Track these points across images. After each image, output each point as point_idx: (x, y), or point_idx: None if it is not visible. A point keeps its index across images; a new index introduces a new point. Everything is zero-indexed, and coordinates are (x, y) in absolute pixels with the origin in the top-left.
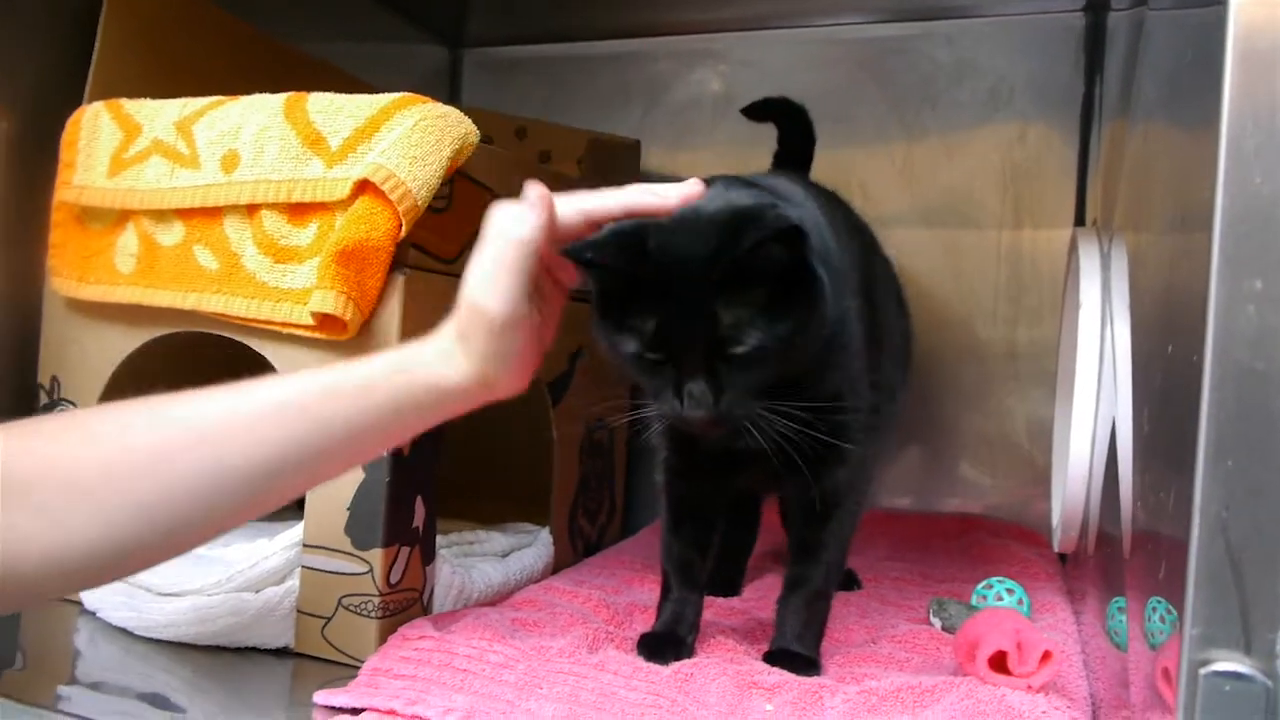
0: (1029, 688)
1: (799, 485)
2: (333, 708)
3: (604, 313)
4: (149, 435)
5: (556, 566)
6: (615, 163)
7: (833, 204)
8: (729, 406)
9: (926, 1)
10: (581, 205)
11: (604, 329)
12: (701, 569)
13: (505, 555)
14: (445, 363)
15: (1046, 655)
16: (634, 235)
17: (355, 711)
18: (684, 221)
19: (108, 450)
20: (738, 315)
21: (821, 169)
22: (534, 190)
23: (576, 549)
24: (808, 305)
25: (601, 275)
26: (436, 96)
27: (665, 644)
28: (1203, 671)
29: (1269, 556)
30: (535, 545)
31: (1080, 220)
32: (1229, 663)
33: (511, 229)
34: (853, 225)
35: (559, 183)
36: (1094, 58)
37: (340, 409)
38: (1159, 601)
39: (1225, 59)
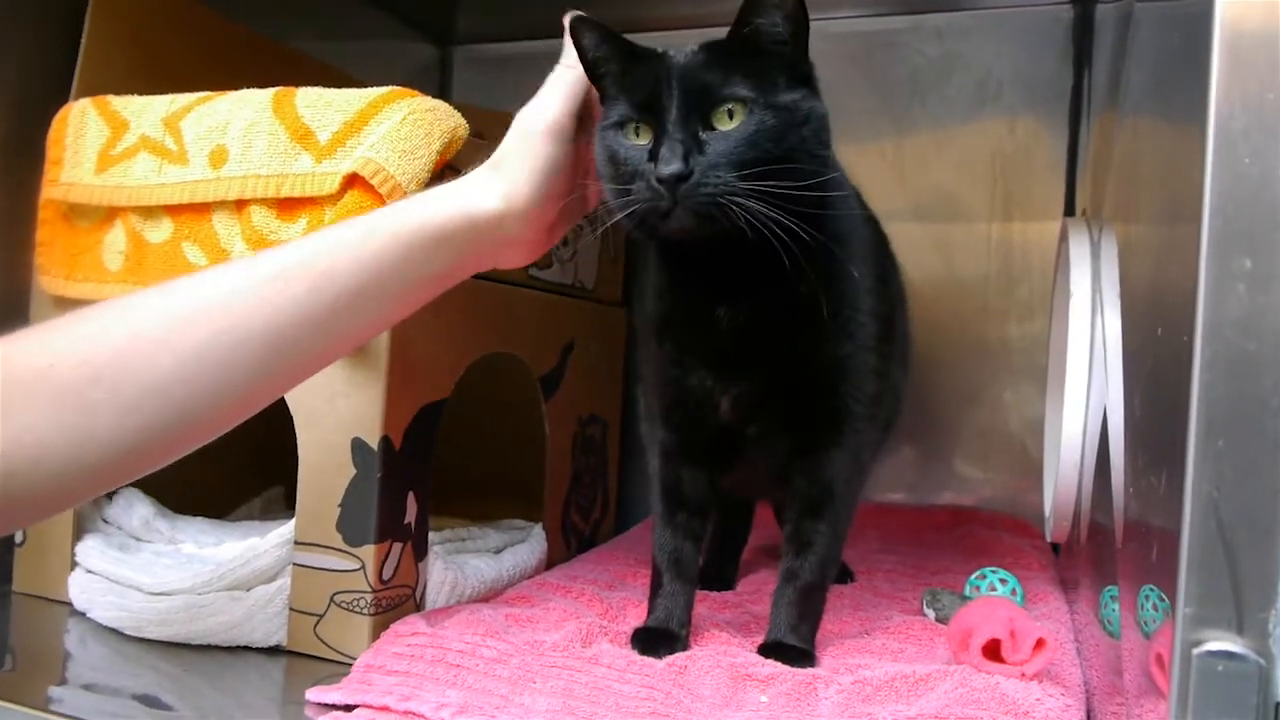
0: (1023, 675)
1: (796, 474)
2: (326, 705)
3: (603, 95)
4: (158, 315)
5: (550, 562)
6: None
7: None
8: (703, 170)
9: None
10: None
11: (604, 111)
12: (694, 561)
13: (498, 551)
14: (475, 188)
15: (1040, 643)
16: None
17: (349, 708)
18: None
19: (117, 336)
20: (727, 74)
21: None
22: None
23: (569, 545)
24: (802, 90)
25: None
26: (426, 93)
27: (659, 639)
28: (1196, 652)
29: (1261, 536)
30: (528, 541)
31: (1070, 209)
32: (1222, 642)
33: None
34: (875, 224)
35: None
36: (1082, 50)
37: (342, 262)
38: (1151, 590)
39: (1212, 45)
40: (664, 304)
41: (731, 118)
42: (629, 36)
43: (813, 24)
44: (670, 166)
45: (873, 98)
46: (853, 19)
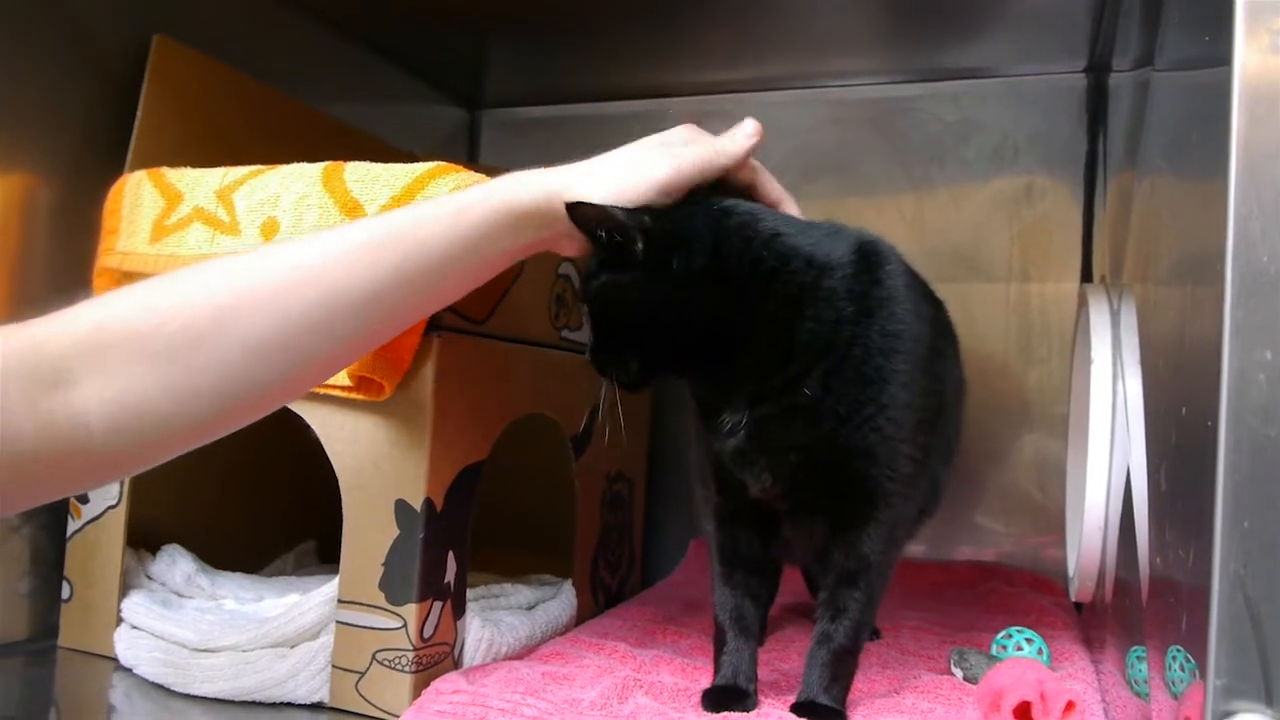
0: None
1: (833, 547)
2: None
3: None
4: (260, 279)
5: (579, 618)
6: None
7: (925, 294)
8: (597, 354)
9: (933, 63)
10: (721, 156)
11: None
12: (755, 619)
13: (531, 608)
14: (565, 181)
15: (1070, 705)
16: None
17: None
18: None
19: (220, 299)
20: (590, 267)
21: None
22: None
23: (598, 600)
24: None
25: None
26: (456, 155)
27: (729, 696)
28: None
29: None
30: (559, 597)
31: (1086, 270)
32: (1252, 714)
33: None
34: (934, 315)
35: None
36: (1096, 116)
37: (435, 232)
38: (1178, 650)
39: (1231, 118)
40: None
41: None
42: (644, 101)
43: (833, 90)
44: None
45: (892, 161)
46: (872, 85)
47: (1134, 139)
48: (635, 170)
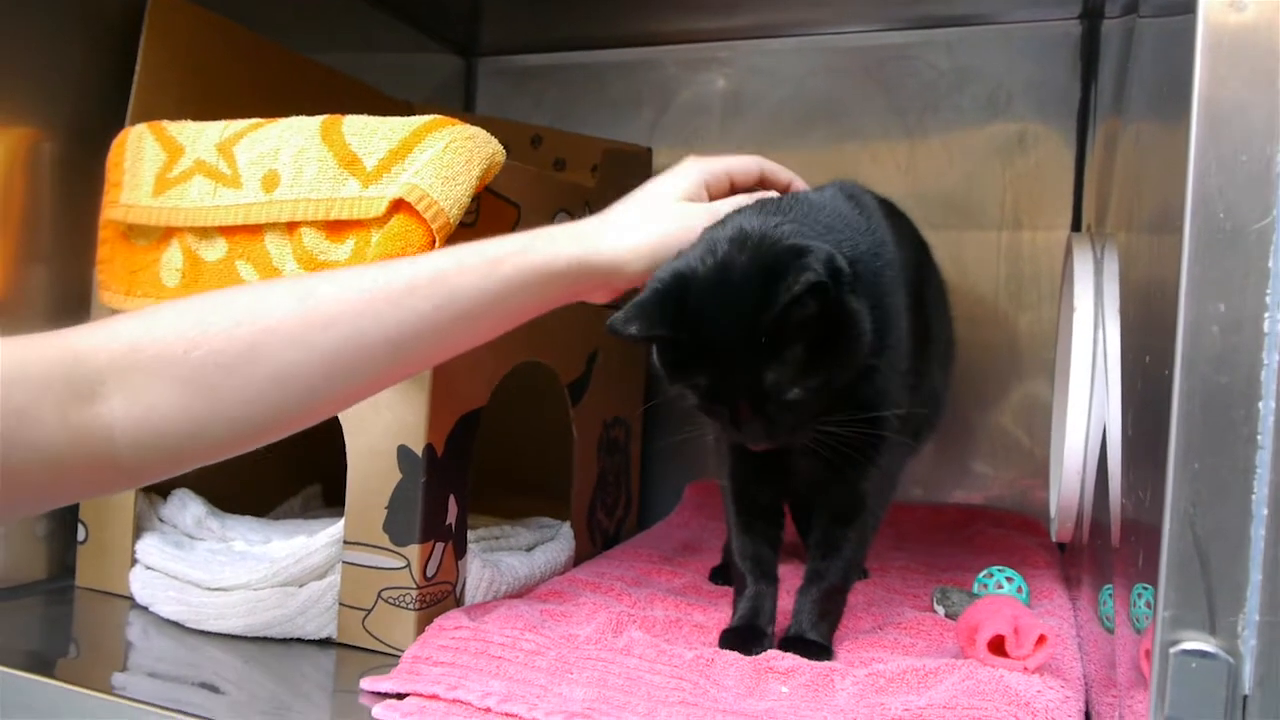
0: (1025, 669)
1: (828, 486)
2: (379, 693)
3: (661, 361)
4: (294, 314)
5: (577, 559)
6: (628, 171)
7: (890, 214)
8: (781, 435)
9: (928, 10)
10: (728, 169)
11: (665, 375)
12: (773, 563)
13: (530, 549)
14: (603, 241)
15: (1041, 639)
16: (672, 297)
17: (400, 697)
18: (720, 273)
19: (252, 331)
20: (779, 374)
21: (829, 172)
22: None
23: (595, 542)
24: (845, 347)
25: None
26: (451, 104)
27: (748, 636)
28: (1173, 650)
29: (1231, 548)
30: (558, 539)
31: (1077, 218)
32: (1196, 642)
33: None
34: (906, 233)
35: (578, 193)
36: (1090, 64)
37: (467, 282)
38: (1144, 588)
39: (1194, 75)
40: None
41: (787, 395)
42: (640, 49)
43: (828, 38)
44: (757, 444)
45: (886, 108)
46: (866, 33)
47: (1120, 86)
48: (669, 245)
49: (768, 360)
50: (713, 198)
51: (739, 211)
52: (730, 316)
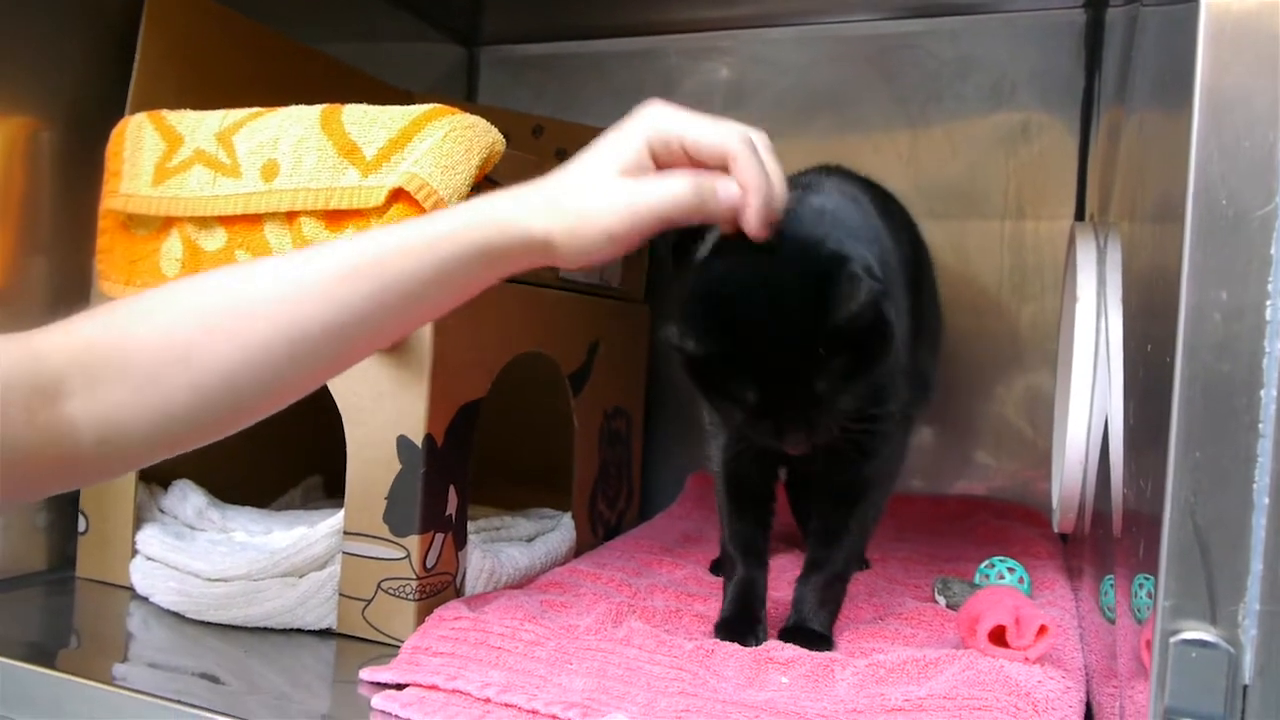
0: (1026, 659)
1: (830, 476)
2: (378, 684)
3: (699, 374)
4: (230, 306)
5: (578, 550)
6: None
7: (883, 200)
8: (820, 438)
9: None
10: (682, 136)
11: (703, 391)
12: (764, 548)
13: (530, 540)
14: (538, 218)
15: (1042, 629)
16: (721, 308)
17: (399, 687)
18: (763, 283)
19: (191, 327)
20: (830, 383)
21: (832, 161)
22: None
23: (596, 533)
24: (884, 350)
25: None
26: (453, 93)
27: (743, 626)
28: (1173, 640)
29: (1232, 538)
30: (558, 530)
31: (1080, 208)
32: (1197, 632)
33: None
34: (901, 220)
35: None
36: (1094, 53)
37: (409, 265)
38: (1145, 579)
39: (1197, 62)
40: None
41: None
42: (641, 38)
43: (830, 27)
44: (797, 449)
45: (889, 98)
46: (869, 22)
47: (1123, 74)
48: (599, 229)
49: (820, 370)
50: (660, 166)
51: None
52: (783, 329)
